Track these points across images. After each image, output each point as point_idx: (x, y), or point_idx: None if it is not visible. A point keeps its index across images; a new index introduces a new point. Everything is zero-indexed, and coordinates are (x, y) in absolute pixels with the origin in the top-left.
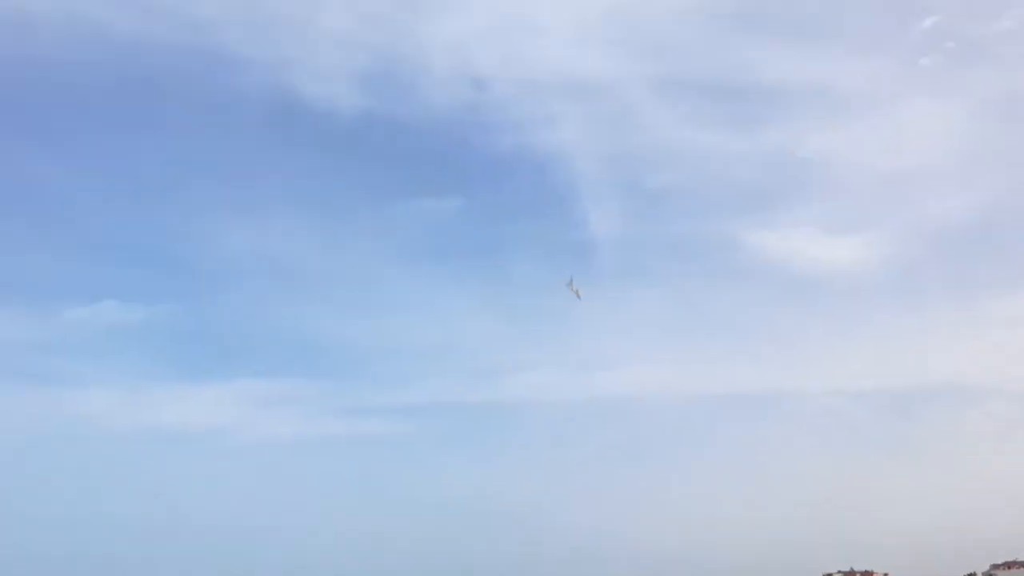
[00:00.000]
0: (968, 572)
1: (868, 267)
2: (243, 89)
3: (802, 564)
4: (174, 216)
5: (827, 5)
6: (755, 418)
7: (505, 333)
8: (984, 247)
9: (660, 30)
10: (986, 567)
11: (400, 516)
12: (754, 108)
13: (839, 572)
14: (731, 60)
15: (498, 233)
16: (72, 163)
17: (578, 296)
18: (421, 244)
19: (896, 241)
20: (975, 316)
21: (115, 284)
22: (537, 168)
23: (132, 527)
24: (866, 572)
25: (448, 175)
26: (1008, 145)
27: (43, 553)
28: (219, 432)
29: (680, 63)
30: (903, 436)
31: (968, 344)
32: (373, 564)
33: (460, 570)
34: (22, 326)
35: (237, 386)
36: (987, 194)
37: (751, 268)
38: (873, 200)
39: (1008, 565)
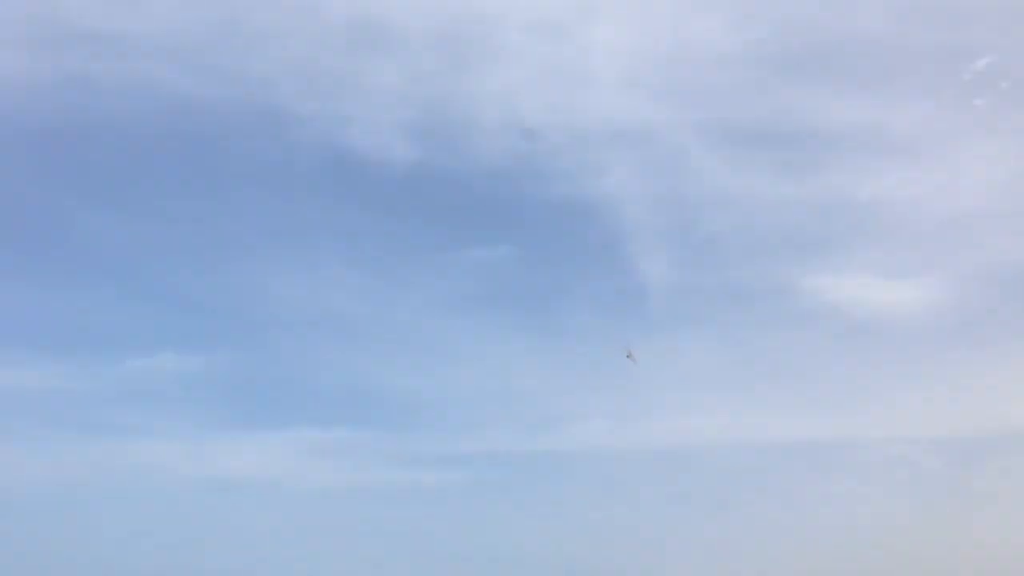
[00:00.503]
0: None
1: (928, 311)
2: (298, 145)
3: None
4: (233, 270)
5: (876, 48)
6: (814, 468)
7: (557, 382)
8: None
9: (707, 76)
10: None
11: (452, 566)
12: (806, 153)
13: None
14: (779, 105)
15: (549, 281)
16: (133, 220)
17: (635, 361)
18: (472, 294)
19: (956, 284)
20: None
21: (174, 335)
22: (587, 216)
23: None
24: None
25: (499, 225)
26: None
27: None
28: (275, 481)
29: (728, 109)
30: (980, 488)
31: None
32: None
33: None
34: (86, 377)
35: (292, 435)
36: None
37: (807, 314)
38: (931, 243)
39: None
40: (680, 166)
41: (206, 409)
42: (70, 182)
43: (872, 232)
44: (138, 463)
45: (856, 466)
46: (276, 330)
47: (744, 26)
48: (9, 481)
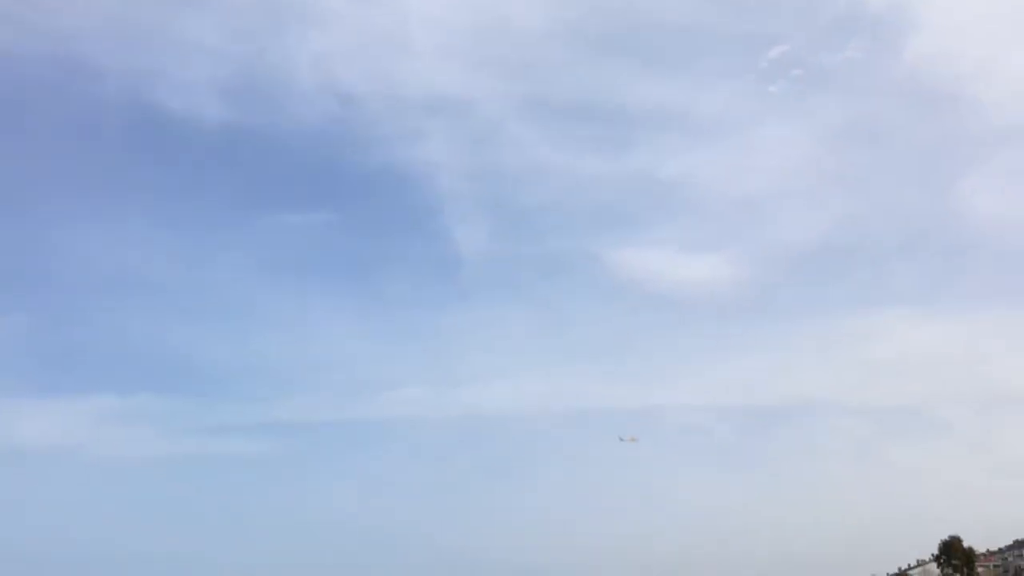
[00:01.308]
0: None
1: (724, 285)
2: (104, 99)
3: None
4: (29, 227)
5: (683, 33)
6: (620, 432)
7: (374, 350)
8: (832, 267)
9: (524, 51)
10: None
11: (263, 537)
12: (616, 130)
13: None
14: (592, 83)
15: (367, 249)
16: None
17: (632, 441)
18: (288, 259)
19: (750, 260)
20: (826, 335)
21: None
22: (405, 184)
23: None
24: None
25: (316, 190)
26: (851, 169)
27: None
28: (71, 449)
29: (543, 84)
30: (762, 452)
31: (820, 362)
32: None
33: None
34: None
35: (90, 401)
36: (833, 215)
37: (614, 286)
38: (727, 221)
39: None
40: (497, 138)
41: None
42: None
43: (674, 209)
44: None
45: (659, 432)
46: (73, 290)
47: (562, 5)
48: None
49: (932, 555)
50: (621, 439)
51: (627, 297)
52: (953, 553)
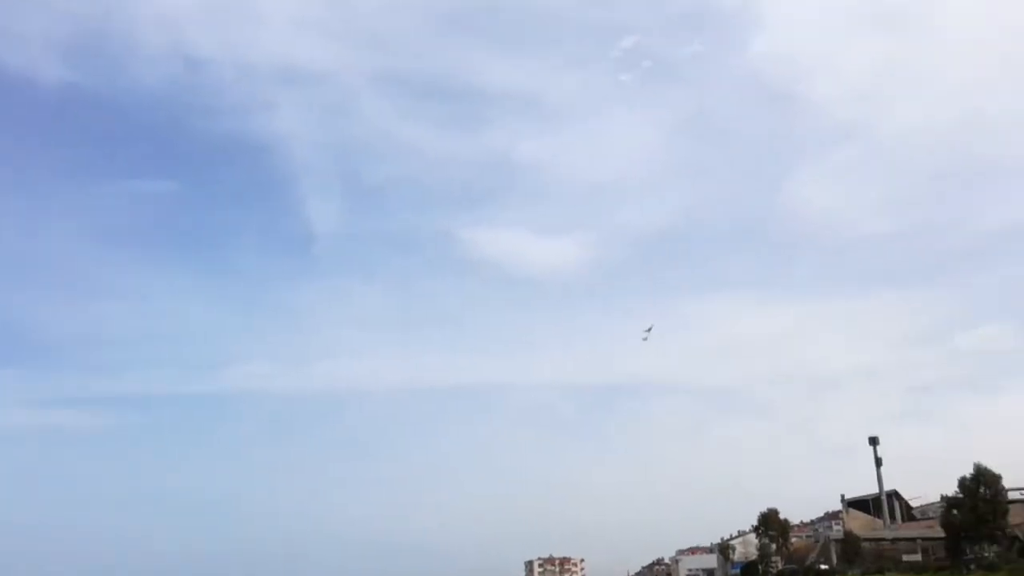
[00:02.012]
0: (657, 557)
1: (571, 268)
2: None
3: (506, 550)
4: None
5: (538, 18)
6: (472, 409)
7: (220, 323)
8: (672, 253)
9: (380, 24)
10: (672, 552)
11: (100, 512)
12: (472, 109)
13: (539, 559)
14: (449, 61)
15: (214, 220)
16: None
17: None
18: (130, 228)
19: (599, 244)
20: (668, 317)
21: None
22: (255, 155)
23: None
24: (564, 559)
25: (160, 157)
26: (694, 159)
27: None
28: None
29: (400, 58)
30: (603, 429)
31: (657, 343)
32: (69, 561)
33: (170, 564)
34: None
35: None
36: (676, 204)
37: (466, 264)
38: (577, 205)
39: (692, 550)
40: (349, 111)
41: None
42: None
43: (527, 191)
44: None
45: (506, 409)
46: None
47: None
48: None
49: (752, 526)
50: (645, 336)
51: (478, 276)
52: (771, 524)
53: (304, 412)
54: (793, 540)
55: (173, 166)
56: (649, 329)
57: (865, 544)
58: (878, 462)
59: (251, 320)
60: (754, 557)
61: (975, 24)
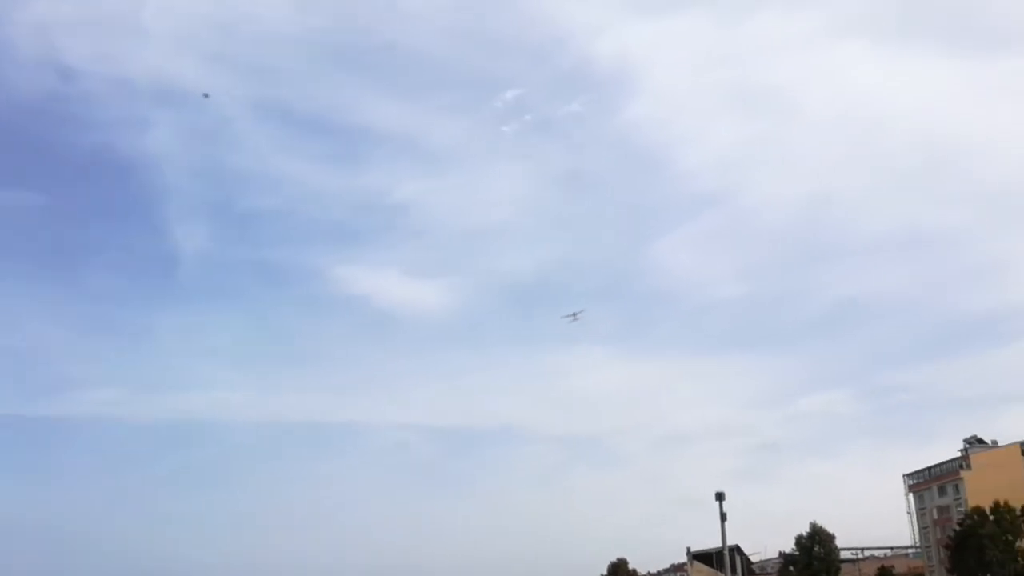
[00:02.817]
0: None
1: (440, 311)
2: None
3: None
4: None
5: (424, 62)
6: (328, 447)
7: (68, 344)
8: (540, 303)
9: (264, 52)
10: None
11: None
12: (353, 147)
13: None
14: (331, 96)
15: (74, 236)
16: None
17: (574, 318)
18: None
19: (469, 289)
20: (531, 365)
21: None
22: (124, 173)
23: None
24: None
25: (23, 167)
26: (567, 214)
27: None
28: None
29: (281, 89)
30: (462, 473)
31: (520, 390)
32: None
33: None
34: None
35: None
36: (546, 255)
37: (334, 300)
38: (452, 249)
39: None
40: (227, 138)
41: None
42: None
43: (401, 231)
44: None
45: (362, 448)
46: None
47: (307, 11)
48: None
49: (601, 574)
50: (571, 316)
51: (345, 314)
52: (619, 574)
53: (152, 442)
54: None
55: (39, 178)
56: (575, 314)
57: None
58: (723, 517)
59: (103, 343)
60: None
61: (833, 109)
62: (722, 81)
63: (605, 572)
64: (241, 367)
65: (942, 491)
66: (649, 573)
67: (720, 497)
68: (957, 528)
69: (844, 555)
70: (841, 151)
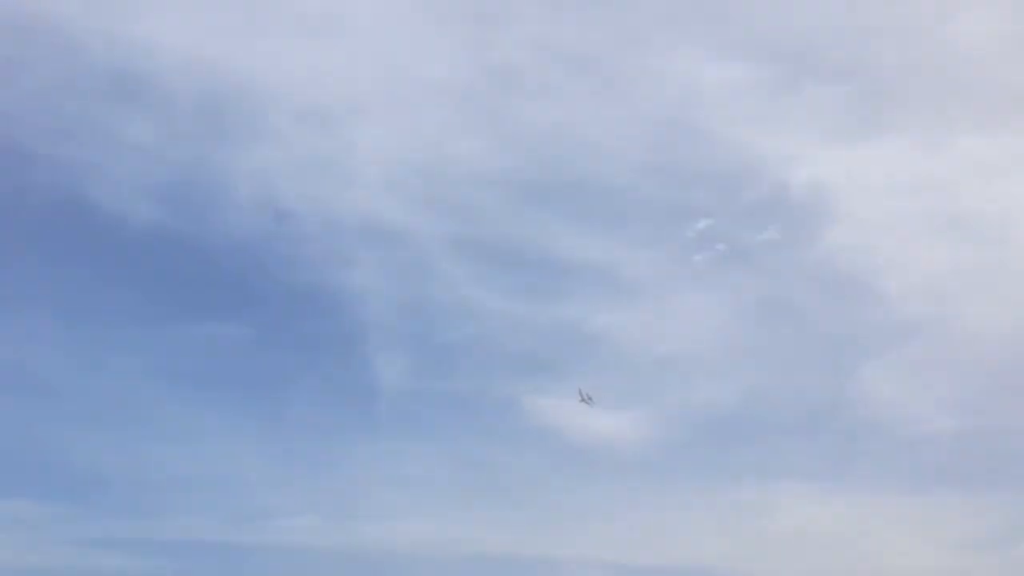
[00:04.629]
0: None
1: (635, 443)
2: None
3: None
4: None
5: (613, 195)
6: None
7: (271, 473)
8: (735, 436)
9: (462, 191)
10: None
11: None
12: (544, 279)
13: None
14: (525, 231)
15: (279, 368)
16: None
17: (589, 400)
18: (196, 369)
19: (661, 420)
20: (722, 502)
21: None
22: (329, 307)
23: None
24: None
25: (236, 301)
26: (763, 344)
27: None
28: None
29: (477, 225)
30: None
31: (714, 528)
32: None
33: None
34: None
35: None
36: (741, 386)
37: (528, 431)
38: (645, 380)
39: None
40: (426, 272)
41: None
42: None
43: (594, 362)
44: None
45: None
46: None
47: (502, 151)
48: None
49: None
50: (581, 399)
51: (539, 445)
52: None
53: (346, 571)
54: None
55: (247, 311)
56: (587, 397)
57: None
58: None
59: (303, 472)
60: None
61: None
62: (924, 205)
63: None
64: (435, 498)
65: None
66: None
67: None
68: None
69: None
70: None
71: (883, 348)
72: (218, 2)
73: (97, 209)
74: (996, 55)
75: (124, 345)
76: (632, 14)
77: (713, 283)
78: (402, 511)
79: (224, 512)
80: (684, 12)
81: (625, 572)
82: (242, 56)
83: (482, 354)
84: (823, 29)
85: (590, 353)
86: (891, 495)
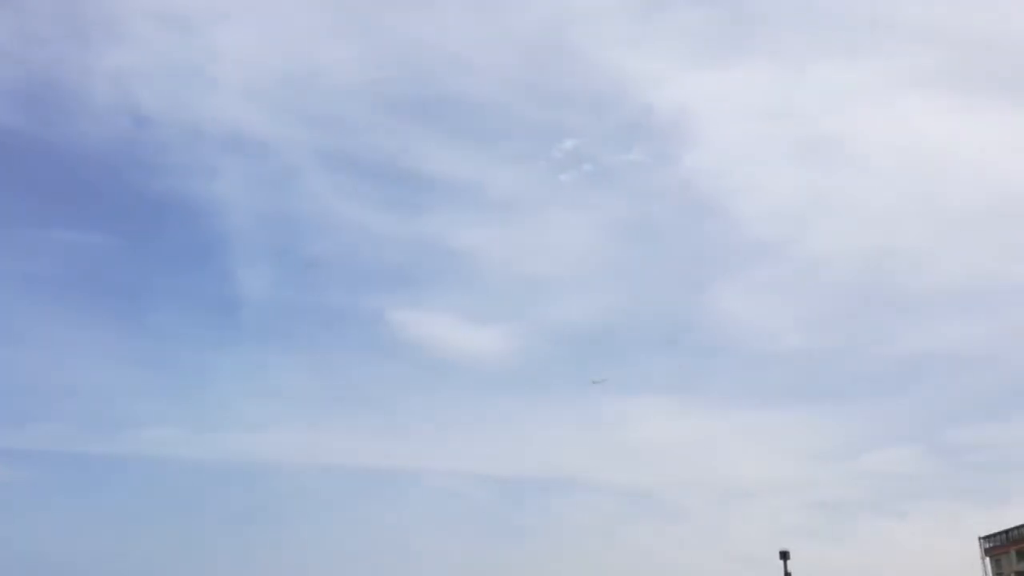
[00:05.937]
0: None
1: (498, 358)
2: None
3: None
4: None
5: (483, 111)
6: (383, 493)
7: (135, 383)
8: (601, 352)
9: (329, 103)
10: None
11: None
12: (411, 194)
13: None
14: (393, 145)
15: (140, 277)
16: None
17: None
18: (55, 279)
19: (527, 336)
20: (589, 414)
21: None
22: (192, 217)
23: None
24: None
25: (95, 209)
26: (626, 263)
27: None
28: None
29: (344, 138)
30: (516, 523)
31: (577, 440)
32: None
33: None
34: None
35: None
36: (605, 304)
37: (392, 345)
38: (509, 296)
39: None
40: (291, 184)
41: None
42: None
43: (459, 277)
44: None
45: (415, 495)
46: None
47: (372, 62)
48: None
49: None
50: (594, 382)
51: (404, 359)
52: None
53: (207, 482)
54: None
55: (108, 220)
56: (601, 380)
57: None
58: None
59: (163, 382)
60: None
61: (895, 159)
62: (778, 130)
63: None
64: (298, 409)
65: (1020, 555)
66: None
67: (785, 556)
68: None
69: None
70: (905, 201)
71: (737, 269)
72: None
73: None
74: None
75: None
76: None
77: (578, 202)
78: (266, 422)
79: (84, 421)
80: None
81: (489, 482)
82: None
83: (347, 268)
84: None
85: (455, 268)
86: (742, 409)
